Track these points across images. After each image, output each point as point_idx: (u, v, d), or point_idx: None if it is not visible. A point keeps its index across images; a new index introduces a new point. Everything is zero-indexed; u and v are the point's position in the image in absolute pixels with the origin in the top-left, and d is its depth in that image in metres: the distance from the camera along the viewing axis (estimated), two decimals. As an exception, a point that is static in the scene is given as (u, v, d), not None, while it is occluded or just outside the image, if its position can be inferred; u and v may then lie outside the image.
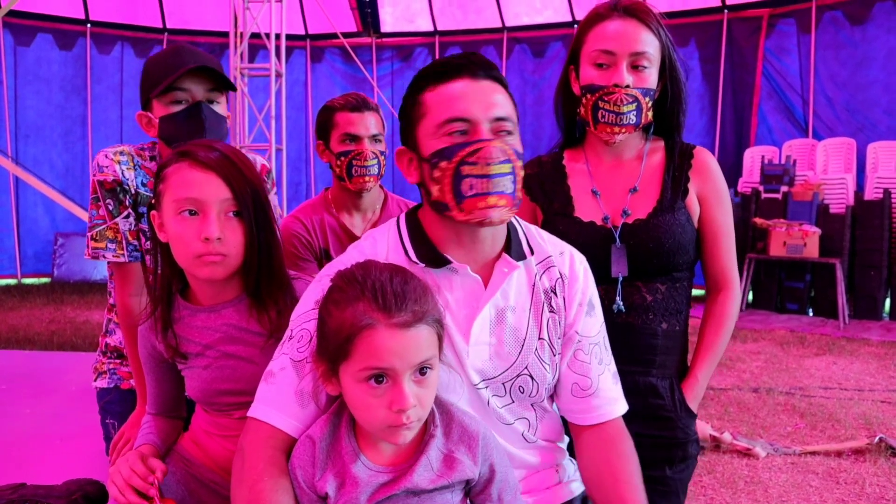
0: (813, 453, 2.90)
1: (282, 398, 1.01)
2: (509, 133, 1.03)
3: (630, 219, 1.38)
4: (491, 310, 1.06)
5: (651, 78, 1.34)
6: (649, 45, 1.33)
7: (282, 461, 0.98)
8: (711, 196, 1.40)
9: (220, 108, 1.55)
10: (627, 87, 1.31)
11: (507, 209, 1.01)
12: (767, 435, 3.14)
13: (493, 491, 1.00)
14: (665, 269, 1.37)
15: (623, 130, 1.35)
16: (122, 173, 1.52)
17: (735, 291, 1.43)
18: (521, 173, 1.04)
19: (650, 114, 1.37)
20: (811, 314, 6.12)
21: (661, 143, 1.45)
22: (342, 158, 1.93)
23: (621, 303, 1.35)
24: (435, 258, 1.05)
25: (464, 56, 1.05)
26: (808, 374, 4.20)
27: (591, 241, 1.35)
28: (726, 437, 2.97)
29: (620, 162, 1.43)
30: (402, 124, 1.10)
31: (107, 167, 1.52)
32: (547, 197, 1.45)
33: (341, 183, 1.98)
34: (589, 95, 1.35)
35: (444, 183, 1.00)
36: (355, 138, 1.93)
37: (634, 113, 1.34)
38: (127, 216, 1.53)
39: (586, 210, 1.41)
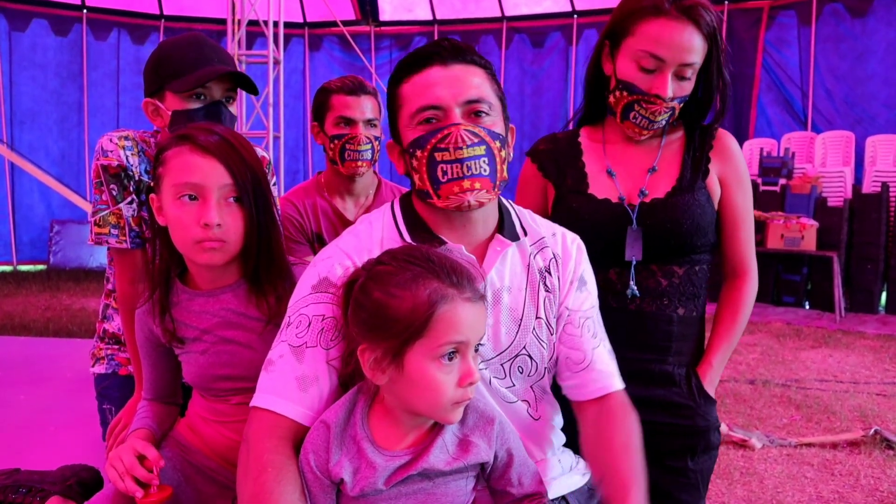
0: (808, 445, 2.91)
1: (282, 384, 1.00)
2: (486, 114, 1.03)
3: (647, 199, 1.34)
4: (486, 290, 1.06)
5: (690, 85, 1.30)
6: (698, 54, 1.26)
7: (287, 449, 0.97)
8: (732, 179, 1.37)
9: (233, 106, 1.55)
10: (670, 99, 1.27)
11: (485, 192, 1.01)
12: (763, 426, 3.15)
13: (512, 475, 1.00)
14: (683, 250, 1.33)
15: (650, 132, 1.33)
16: (127, 158, 1.49)
17: (752, 278, 1.40)
18: (503, 154, 1.04)
19: (677, 111, 1.34)
20: (807, 307, 6.14)
21: (681, 125, 1.41)
22: (335, 142, 1.92)
23: (635, 287, 1.31)
24: (430, 239, 1.06)
25: (434, 43, 1.05)
26: (804, 366, 4.21)
27: (604, 219, 1.32)
28: (722, 428, 2.97)
29: (639, 143, 1.39)
30: (388, 118, 1.11)
31: (111, 151, 1.49)
32: (560, 173, 1.41)
33: (334, 166, 1.97)
34: (626, 93, 1.29)
35: (422, 171, 1.02)
36: (350, 122, 1.91)
37: (666, 119, 1.31)
38: (130, 202, 1.50)
39: (601, 188, 1.37)
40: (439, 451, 0.94)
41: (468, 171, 0.99)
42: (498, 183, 1.03)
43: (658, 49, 1.24)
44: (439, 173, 1.00)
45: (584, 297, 1.13)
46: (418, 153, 1.02)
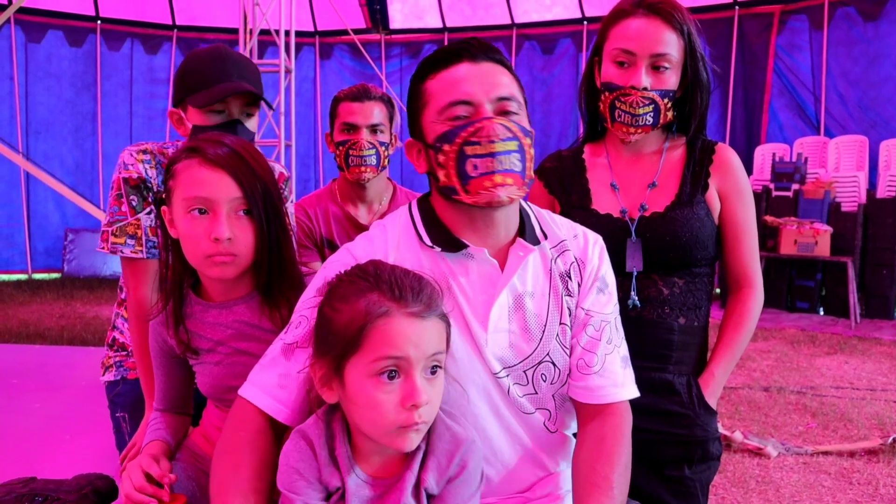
0: (825, 453, 2.87)
1: (265, 379, 1.02)
2: (515, 113, 1.02)
3: (647, 212, 1.36)
4: (508, 296, 1.05)
5: (671, 80, 1.33)
6: (671, 46, 1.30)
7: (260, 438, 0.99)
8: (732, 193, 1.38)
9: (253, 120, 1.59)
10: (645, 89, 1.30)
11: (516, 188, 0.99)
12: (779, 434, 3.11)
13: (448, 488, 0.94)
14: (682, 263, 1.35)
15: (639, 131, 1.35)
16: (146, 171, 1.55)
17: (757, 290, 1.40)
18: (532, 152, 1.03)
19: (670, 113, 1.35)
20: (822, 313, 6.08)
21: (683, 140, 1.43)
22: (340, 148, 1.95)
23: (636, 297, 1.33)
24: (450, 242, 1.04)
25: (463, 41, 1.05)
26: (820, 373, 4.17)
27: (607, 233, 1.33)
28: (737, 436, 2.95)
29: (640, 156, 1.42)
30: (408, 116, 1.10)
31: (131, 165, 1.54)
32: (565, 190, 1.44)
33: (342, 173, 2.00)
34: (607, 93, 1.34)
35: (450, 166, 1.00)
36: (353, 127, 1.94)
37: (651, 115, 1.32)
38: (149, 213, 1.56)
39: (604, 203, 1.39)
40: (408, 485, 0.91)
41: (500, 166, 0.97)
42: (526, 180, 1.02)
43: (627, 43, 1.31)
44: (469, 167, 0.98)
45: (605, 301, 1.10)
46: (446, 147, 1.00)
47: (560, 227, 1.13)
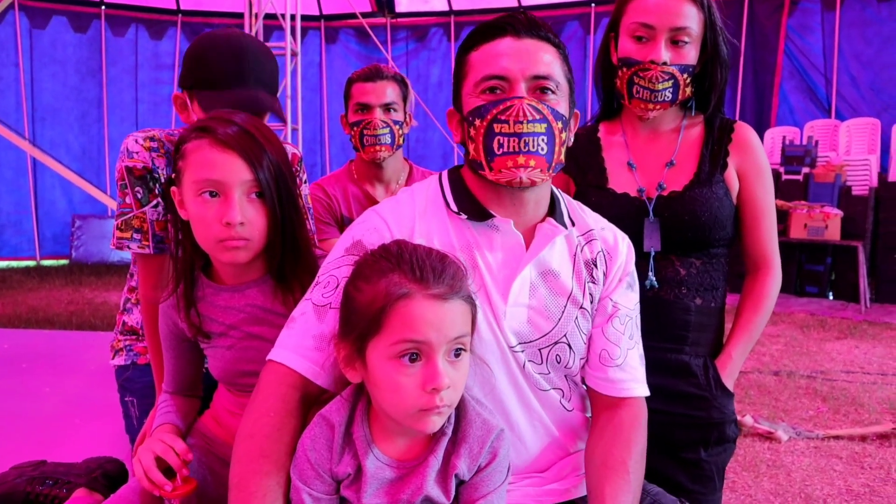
0: (836, 437, 2.86)
1: (299, 341, 1.00)
2: (552, 93, 1.00)
3: (665, 192, 1.34)
4: (532, 271, 1.05)
5: (690, 54, 1.30)
6: (691, 19, 1.28)
7: (294, 399, 0.97)
8: (752, 172, 1.37)
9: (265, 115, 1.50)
10: (664, 64, 1.27)
11: (539, 171, 0.99)
12: (789, 418, 3.10)
13: (468, 491, 0.93)
14: (701, 243, 1.33)
15: (658, 107, 1.32)
16: (153, 161, 1.43)
17: (775, 271, 1.39)
18: (563, 137, 1.02)
19: (689, 89, 1.33)
20: (831, 297, 6.04)
21: (700, 118, 1.41)
22: (355, 128, 1.97)
23: (654, 278, 1.32)
24: (477, 210, 1.04)
25: (510, 15, 1.04)
26: (830, 357, 4.14)
27: (624, 213, 1.32)
28: (747, 420, 2.93)
29: (657, 135, 1.40)
30: (453, 85, 1.10)
31: (136, 153, 1.42)
32: (580, 169, 1.42)
33: (358, 153, 2.01)
34: (625, 69, 1.32)
35: (478, 141, 1.00)
36: (366, 107, 1.95)
37: (670, 90, 1.30)
38: (155, 205, 1.45)
39: (621, 182, 1.38)
40: (431, 470, 0.90)
41: (525, 147, 0.97)
42: (553, 164, 1.01)
43: (647, 17, 1.28)
44: (495, 145, 0.98)
45: (633, 297, 1.11)
46: (477, 122, 1.00)
47: (588, 216, 1.14)
